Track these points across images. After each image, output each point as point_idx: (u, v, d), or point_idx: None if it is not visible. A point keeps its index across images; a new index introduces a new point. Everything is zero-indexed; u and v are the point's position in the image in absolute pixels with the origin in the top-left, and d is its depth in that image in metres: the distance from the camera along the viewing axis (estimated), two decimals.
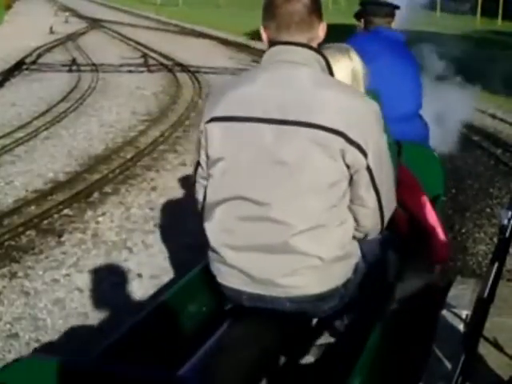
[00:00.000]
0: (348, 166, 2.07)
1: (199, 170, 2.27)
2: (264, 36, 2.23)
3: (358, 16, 4.27)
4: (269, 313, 2.13)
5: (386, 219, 2.26)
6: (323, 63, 2.17)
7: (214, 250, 2.21)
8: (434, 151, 3.76)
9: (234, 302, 2.25)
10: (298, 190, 2.07)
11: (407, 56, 3.80)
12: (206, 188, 2.24)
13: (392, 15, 3.82)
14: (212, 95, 2.28)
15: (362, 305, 2.30)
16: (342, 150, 2.04)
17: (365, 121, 2.09)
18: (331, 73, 2.21)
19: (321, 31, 2.18)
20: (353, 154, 2.06)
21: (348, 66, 2.54)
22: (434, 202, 3.16)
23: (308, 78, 2.10)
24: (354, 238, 2.20)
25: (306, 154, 2.05)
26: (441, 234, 2.95)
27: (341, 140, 2.04)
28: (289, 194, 2.08)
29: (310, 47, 2.15)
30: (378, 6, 3.81)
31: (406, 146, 2.74)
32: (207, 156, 2.19)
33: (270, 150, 2.08)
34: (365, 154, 2.07)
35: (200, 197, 2.30)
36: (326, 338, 2.32)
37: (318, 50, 2.18)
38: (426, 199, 2.98)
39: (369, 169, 2.09)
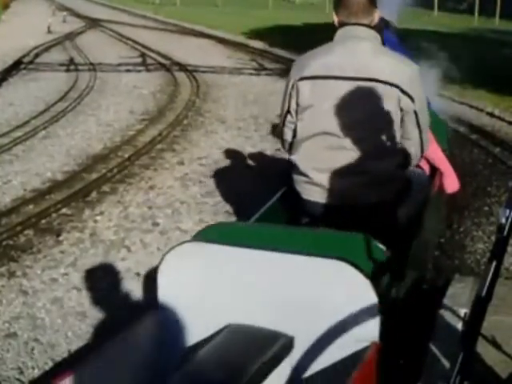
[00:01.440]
0: (401, 110, 2.88)
1: (288, 117, 3.03)
2: (336, 19, 2.99)
3: None
4: (341, 221, 2.73)
5: (424, 150, 3.09)
6: (379, 39, 3.00)
7: (302, 174, 2.98)
8: (438, 115, 4.55)
9: (313, 214, 2.98)
10: (369, 125, 2.87)
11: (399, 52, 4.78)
12: (294, 129, 3.02)
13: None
14: (298, 62, 3.07)
15: (405, 212, 3.08)
16: (398, 97, 2.85)
17: (412, 78, 2.90)
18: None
19: (376, 16, 2.97)
20: (405, 101, 2.86)
21: None
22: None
23: (370, 48, 2.92)
24: (402, 164, 3.01)
25: (374, 99, 2.85)
26: (452, 173, 4.09)
27: (397, 91, 2.84)
28: (362, 129, 2.87)
29: (371, 27, 2.95)
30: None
31: None
32: (297, 105, 2.97)
33: (348, 97, 2.86)
34: (413, 101, 2.87)
35: (288, 137, 3.08)
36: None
37: (377, 29, 2.98)
38: (440, 150, 4.00)
39: (415, 112, 2.90)
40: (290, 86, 2.99)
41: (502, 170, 7.11)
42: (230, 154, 7.88)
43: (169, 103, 10.82)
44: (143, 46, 18.66)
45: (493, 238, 5.06)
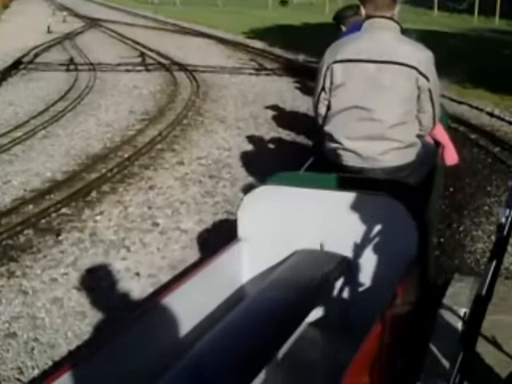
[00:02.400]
0: (418, 88, 3.45)
1: (322, 94, 3.58)
2: (363, 12, 3.56)
3: (339, 20, 6.16)
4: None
5: (436, 123, 3.65)
6: (399, 29, 3.54)
7: (335, 142, 3.55)
8: None
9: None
10: (390, 101, 3.43)
11: None
12: (327, 105, 3.58)
13: None
14: (331, 49, 3.59)
15: (421, 172, 3.66)
16: (416, 77, 3.42)
17: (427, 61, 3.47)
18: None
19: (396, 10, 3.54)
20: (421, 81, 3.43)
21: None
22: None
23: (392, 37, 3.50)
24: (418, 133, 3.59)
25: (395, 79, 3.43)
26: (452, 147, 4.69)
27: (415, 72, 3.41)
28: (385, 103, 3.43)
29: (393, 20, 3.52)
30: None
31: None
32: (331, 83, 3.52)
33: (374, 78, 3.43)
34: (428, 80, 3.44)
35: (322, 112, 3.63)
36: None
37: (397, 21, 3.53)
38: (442, 127, 4.49)
39: (429, 90, 3.47)
40: (325, 69, 3.54)
41: (502, 170, 7.11)
42: (230, 153, 7.88)
43: (169, 103, 10.81)
44: (143, 46, 18.65)
45: (493, 237, 5.06)
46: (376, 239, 2.92)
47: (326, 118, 3.63)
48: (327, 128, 3.61)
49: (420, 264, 3.02)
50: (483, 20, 27.36)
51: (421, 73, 3.43)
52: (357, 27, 5.28)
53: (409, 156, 3.56)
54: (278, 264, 3.04)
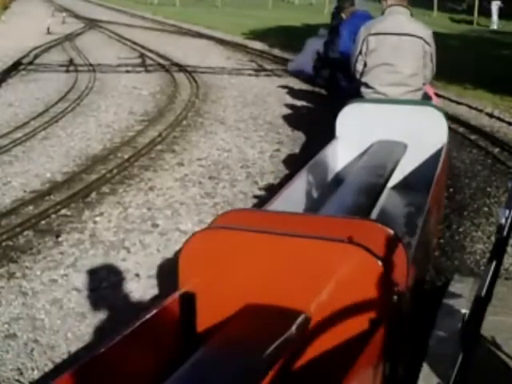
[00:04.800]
0: (424, 51, 5.24)
1: (360, 56, 5.34)
2: (384, 3, 5.35)
3: (340, 10, 8.12)
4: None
5: (433, 75, 5.48)
6: (410, 13, 5.34)
7: (370, 88, 5.33)
8: None
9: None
10: (408, 59, 5.23)
11: None
12: (363, 64, 5.34)
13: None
14: (365, 27, 5.37)
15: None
16: (422, 44, 5.22)
17: (430, 34, 5.29)
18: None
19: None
20: (426, 46, 5.25)
21: None
22: None
23: (406, 18, 5.31)
24: (423, 82, 5.37)
25: (410, 45, 5.21)
26: (436, 98, 6.30)
27: (421, 41, 5.22)
28: (404, 61, 5.22)
29: (406, 7, 5.34)
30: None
31: None
32: (367, 49, 5.29)
33: (396, 44, 5.21)
34: (430, 46, 5.26)
35: (359, 69, 5.39)
36: None
37: (408, 7, 5.34)
38: (429, 86, 6.04)
39: (431, 53, 5.28)
40: (362, 40, 5.33)
41: (502, 171, 7.11)
42: (230, 154, 7.88)
43: (168, 104, 10.81)
44: (142, 47, 18.64)
45: (492, 238, 5.06)
46: (423, 132, 4.90)
47: (362, 72, 5.38)
48: (364, 79, 5.38)
49: (447, 149, 4.93)
50: (483, 21, 27.38)
51: (426, 41, 5.24)
52: (354, 15, 7.66)
53: (417, 97, 5.31)
54: (363, 152, 4.90)
